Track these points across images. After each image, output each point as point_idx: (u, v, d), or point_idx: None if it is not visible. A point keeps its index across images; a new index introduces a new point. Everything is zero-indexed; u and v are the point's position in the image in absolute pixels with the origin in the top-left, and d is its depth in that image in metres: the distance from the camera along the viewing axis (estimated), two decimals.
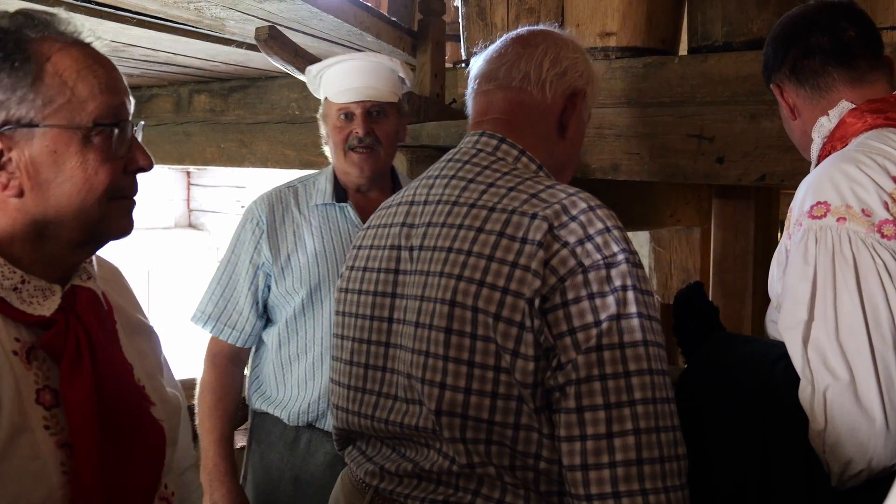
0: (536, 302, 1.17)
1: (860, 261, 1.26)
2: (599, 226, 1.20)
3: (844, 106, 1.47)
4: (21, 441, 1.00)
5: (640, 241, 4.00)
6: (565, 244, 1.18)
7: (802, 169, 1.94)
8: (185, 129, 3.99)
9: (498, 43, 1.46)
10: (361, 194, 2.14)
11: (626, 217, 3.04)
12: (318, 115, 2.18)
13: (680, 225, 3.39)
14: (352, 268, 1.44)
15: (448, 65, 2.89)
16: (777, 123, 1.96)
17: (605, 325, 1.15)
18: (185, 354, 4.32)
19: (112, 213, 1.12)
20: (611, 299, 1.16)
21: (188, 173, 8.08)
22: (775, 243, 3.25)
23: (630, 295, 1.17)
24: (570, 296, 1.16)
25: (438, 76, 2.73)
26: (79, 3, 2.34)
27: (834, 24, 1.52)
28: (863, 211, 1.28)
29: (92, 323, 1.11)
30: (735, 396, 1.38)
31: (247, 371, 2.22)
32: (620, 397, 1.14)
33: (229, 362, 2.13)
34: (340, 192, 2.12)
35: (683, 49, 2.45)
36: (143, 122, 1.17)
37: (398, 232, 1.37)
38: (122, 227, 1.14)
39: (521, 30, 1.47)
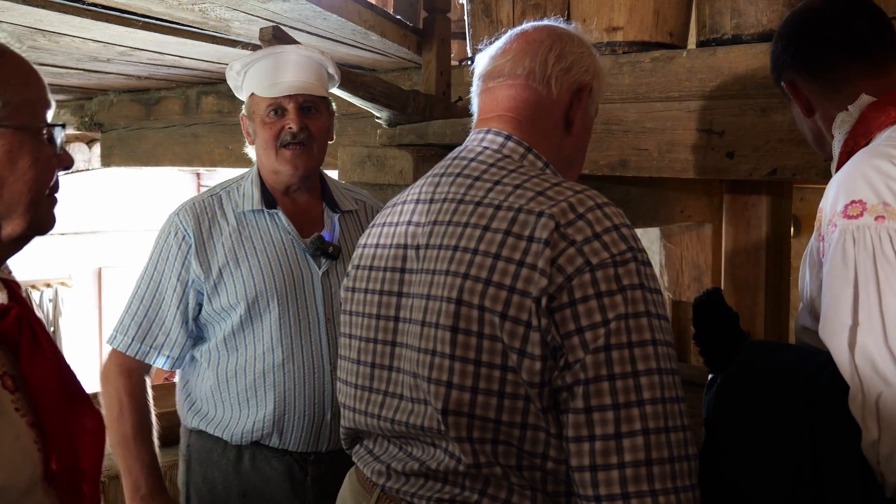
0: (543, 301, 1.16)
1: None
2: (607, 224, 1.19)
3: (865, 100, 1.42)
4: (3, 423, 1.06)
5: (651, 237, 3.96)
6: (572, 242, 1.17)
7: (815, 162, 1.91)
8: (193, 130, 3.99)
9: (502, 39, 1.44)
10: (290, 198, 2.04)
11: (637, 213, 3.04)
12: (241, 114, 2.06)
13: (691, 221, 3.36)
14: (357, 266, 1.43)
15: (454, 63, 2.87)
16: (788, 116, 1.94)
17: (613, 325, 1.14)
18: None
19: (49, 209, 1.17)
20: (619, 298, 1.15)
21: (198, 174, 8.10)
22: (788, 238, 3.23)
23: (638, 294, 1.16)
24: (578, 295, 1.15)
25: (444, 74, 2.71)
26: (84, 7, 2.34)
27: (844, 15, 1.48)
28: None
29: (33, 312, 1.17)
30: (780, 408, 1.34)
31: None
32: (629, 397, 1.13)
33: (144, 376, 1.99)
34: (269, 198, 2.00)
35: (692, 42, 2.42)
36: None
37: (404, 230, 1.36)
38: (52, 222, 1.19)
39: (526, 25, 1.45)
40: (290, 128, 1.94)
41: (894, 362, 1.19)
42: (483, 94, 1.43)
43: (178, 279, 1.95)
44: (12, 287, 1.17)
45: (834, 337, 1.25)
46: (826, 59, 1.47)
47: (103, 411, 1.94)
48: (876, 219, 1.23)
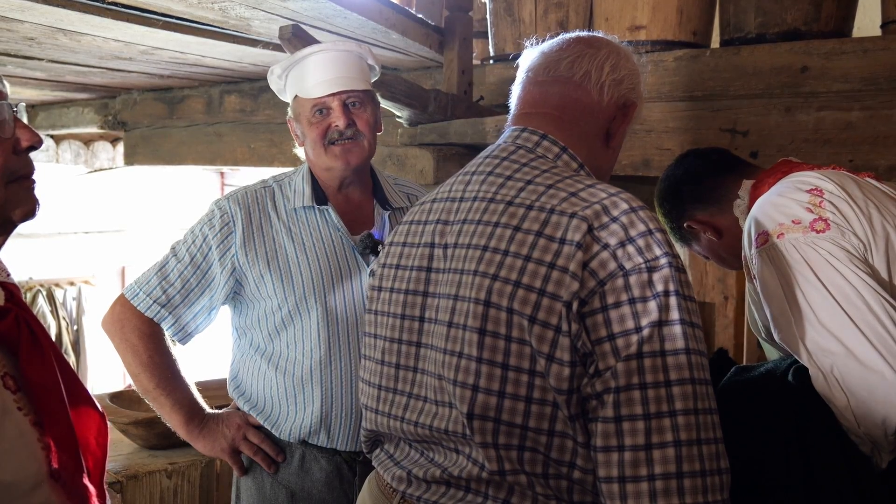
0: (574, 305, 1.13)
1: (809, 258, 1.44)
2: (642, 228, 1.15)
3: (747, 183, 1.67)
4: (8, 422, 1.06)
5: None
6: (606, 246, 1.14)
7: (840, 162, 1.88)
8: (216, 129, 4.01)
9: (556, 39, 1.43)
10: (342, 195, 2.02)
11: None
12: (288, 118, 2.05)
13: None
14: (384, 265, 1.41)
15: (476, 62, 2.86)
16: (813, 116, 1.91)
17: (646, 332, 1.11)
18: (214, 354, 4.39)
19: (13, 196, 1.11)
20: (653, 305, 1.12)
21: (222, 173, 8.15)
22: None
23: (672, 301, 1.12)
24: (610, 300, 1.12)
25: (466, 73, 2.69)
26: (104, 6, 2.35)
27: (699, 155, 1.81)
28: (793, 221, 1.47)
29: (32, 314, 1.15)
30: (757, 405, 1.49)
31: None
32: (661, 407, 1.10)
33: (156, 328, 1.98)
34: (320, 194, 1.99)
35: (716, 41, 2.40)
36: (23, 103, 1.16)
37: (433, 229, 1.34)
38: (27, 208, 1.14)
39: (581, 33, 1.45)
40: (337, 126, 1.93)
41: (832, 336, 1.39)
42: (531, 87, 1.40)
43: (220, 264, 1.94)
44: (10, 289, 1.15)
45: (786, 335, 1.47)
46: (707, 183, 1.74)
47: (121, 360, 1.97)
48: (778, 237, 1.48)
